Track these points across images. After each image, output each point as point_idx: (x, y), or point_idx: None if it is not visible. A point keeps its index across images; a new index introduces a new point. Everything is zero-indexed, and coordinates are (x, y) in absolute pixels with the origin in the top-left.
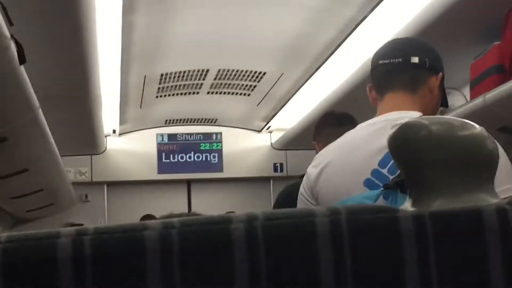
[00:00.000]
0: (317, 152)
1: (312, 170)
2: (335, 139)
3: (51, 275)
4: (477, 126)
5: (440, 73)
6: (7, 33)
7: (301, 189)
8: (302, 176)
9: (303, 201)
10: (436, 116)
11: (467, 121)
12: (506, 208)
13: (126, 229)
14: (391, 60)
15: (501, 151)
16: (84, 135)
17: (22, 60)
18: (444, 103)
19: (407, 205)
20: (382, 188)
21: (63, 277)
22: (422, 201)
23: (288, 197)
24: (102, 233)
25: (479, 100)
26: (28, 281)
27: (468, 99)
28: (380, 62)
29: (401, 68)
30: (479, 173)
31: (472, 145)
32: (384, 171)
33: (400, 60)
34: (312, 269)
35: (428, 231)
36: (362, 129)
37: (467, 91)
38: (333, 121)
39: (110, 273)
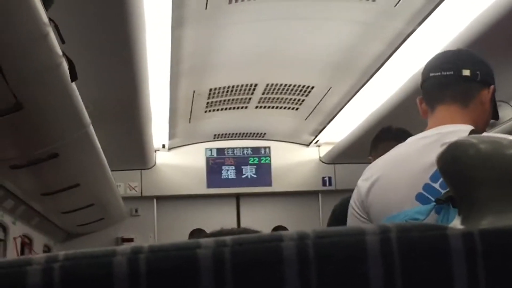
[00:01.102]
0: None
1: (362, 184)
2: None
3: None
4: None
5: (492, 86)
6: (59, 51)
7: (351, 202)
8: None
9: (353, 215)
10: (485, 134)
11: None
12: None
13: (180, 247)
14: (442, 73)
15: None
16: (134, 150)
17: (73, 77)
18: (495, 116)
19: (456, 223)
20: (434, 203)
21: None
22: (471, 219)
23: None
24: (156, 251)
25: None
26: None
27: None
28: (431, 74)
29: (453, 81)
30: None
31: None
32: (436, 185)
33: (452, 72)
34: (362, 287)
35: (478, 249)
36: (413, 142)
37: None
38: (390, 136)
39: None
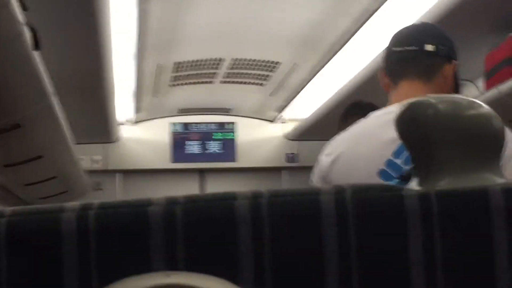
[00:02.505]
0: None
1: (324, 159)
2: None
3: (55, 248)
4: (484, 105)
5: (455, 61)
6: (21, 18)
7: (312, 177)
8: None
9: None
10: (443, 95)
11: (475, 100)
12: None
13: (130, 204)
14: (406, 48)
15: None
16: (98, 123)
17: (37, 47)
18: (457, 92)
19: (413, 184)
20: (396, 180)
21: (67, 251)
22: (428, 180)
23: None
24: (106, 208)
25: (493, 92)
26: (32, 254)
27: (482, 91)
28: (394, 49)
29: (416, 56)
30: (485, 152)
31: (479, 124)
32: (398, 161)
33: (415, 47)
34: (316, 247)
35: (434, 210)
36: (376, 118)
37: (481, 83)
38: (360, 111)
39: (114, 248)
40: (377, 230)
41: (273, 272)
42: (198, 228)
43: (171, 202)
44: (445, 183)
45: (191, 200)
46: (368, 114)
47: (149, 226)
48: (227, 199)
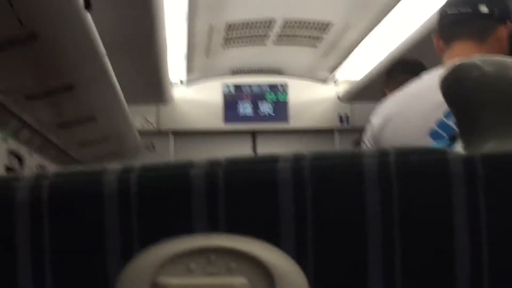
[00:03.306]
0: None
1: (376, 121)
2: None
3: (96, 210)
4: None
5: (509, 23)
6: None
7: (364, 139)
8: None
9: None
10: (490, 57)
11: None
12: None
13: (172, 167)
14: (460, 10)
15: None
16: (151, 85)
17: (87, 5)
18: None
19: (458, 148)
20: (448, 140)
21: (108, 213)
22: (473, 144)
23: None
24: (148, 170)
25: None
26: (74, 215)
27: None
28: (449, 11)
29: (470, 18)
30: None
31: None
32: (450, 122)
33: (469, 9)
34: (358, 210)
35: (479, 174)
36: (428, 79)
37: None
38: (406, 69)
39: (155, 210)
40: (421, 195)
41: (315, 236)
42: (240, 190)
43: (213, 164)
44: (490, 147)
45: (232, 163)
46: (420, 75)
47: (190, 188)
48: (269, 161)
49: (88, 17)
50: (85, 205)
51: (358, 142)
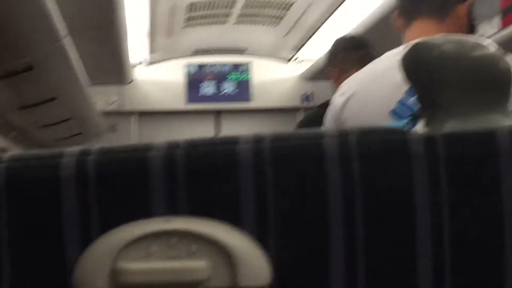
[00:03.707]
0: (332, 79)
1: (338, 99)
2: (351, 63)
3: (54, 194)
4: (491, 46)
5: (468, 0)
6: None
7: (326, 118)
8: (320, 105)
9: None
10: (449, 36)
11: (480, 41)
12: None
13: (130, 149)
14: None
15: None
16: (112, 65)
17: None
18: (471, 31)
19: (419, 127)
20: (409, 118)
21: (66, 196)
22: (434, 123)
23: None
24: (106, 153)
25: (509, 30)
26: (31, 199)
27: (499, 29)
28: None
29: None
30: (492, 93)
31: (485, 65)
32: (411, 101)
33: None
34: (319, 190)
35: (440, 153)
36: (389, 58)
37: (497, 21)
38: (348, 45)
39: (113, 193)
40: (382, 174)
41: (276, 217)
42: (199, 173)
43: (172, 147)
44: (451, 126)
45: (192, 145)
46: (360, 49)
47: (149, 171)
48: (229, 143)
49: None
50: (42, 189)
51: (302, 123)
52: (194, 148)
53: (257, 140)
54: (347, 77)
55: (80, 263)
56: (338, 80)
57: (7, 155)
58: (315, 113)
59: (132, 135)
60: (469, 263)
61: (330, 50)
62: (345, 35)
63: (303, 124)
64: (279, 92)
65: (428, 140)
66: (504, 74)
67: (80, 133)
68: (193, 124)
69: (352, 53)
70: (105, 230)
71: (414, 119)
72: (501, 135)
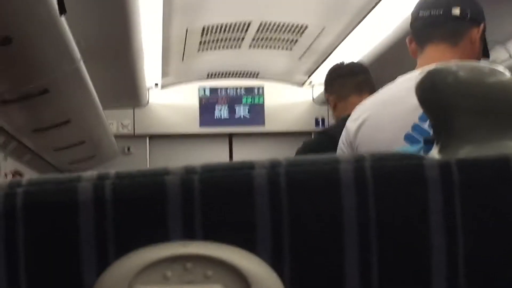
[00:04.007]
0: (331, 106)
1: (351, 124)
2: (348, 90)
3: (72, 219)
4: (506, 73)
5: (482, 25)
6: None
7: (340, 143)
8: (320, 132)
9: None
10: (465, 61)
11: (496, 67)
12: None
13: (148, 173)
14: (432, 12)
15: None
16: (126, 88)
17: (62, 10)
18: (485, 54)
19: (433, 153)
20: (422, 143)
21: (83, 221)
22: (449, 149)
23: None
24: (123, 178)
25: None
26: (49, 224)
27: None
28: (421, 13)
29: (442, 20)
30: (507, 120)
31: (500, 91)
32: (425, 125)
33: (441, 11)
34: (335, 217)
35: (454, 179)
36: (403, 82)
37: (511, 45)
38: (344, 72)
39: (131, 218)
40: (397, 200)
41: (291, 242)
42: (216, 197)
43: (189, 172)
44: (465, 152)
45: (208, 170)
46: (357, 74)
47: (166, 196)
48: (245, 168)
49: (63, 21)
50: (59, 214)
51: (301, 151)
52: (211, 173)
53: (273, 165)
54: (345, 104)
55: (96, 286)
56: (336, 107)
57: (25, 179)
58: (314, 141)
59: (145, 158)
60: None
61: (326, 77)
62: (341, 62)
63: (302, 151)
64: (292, 116)
65: (443, 165)
66: None
67: (94, 156)
68: (207, 147)
69: (348, 79)
70: (122, 255)
71: (428, 143)
72: None
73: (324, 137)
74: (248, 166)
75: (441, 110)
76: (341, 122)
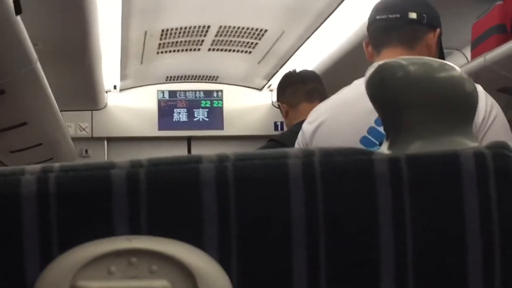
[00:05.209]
0: (282, 114)
1: (307, 127)
2: (299, 97)
3: (14, 212)
4: (456, 68)
5: (438, 29)
6: None
7: (296, 145)
8: (272, 140)
9: None
10: (414, 56)
11: (446, 62)
12: (484, 152)
13: (93, 167)
14: (389, 16)
15: (498, 110)
16: (84, 91)
17: (18, 10)
18: (441, 59)
19: (383, 148)
20: (378, 146)
21: (26, 214)
22: (398, 144)
23: None
24: (68, 171)
25: (479, 60)
26: None
27: (469, 60)
28: (378, 17)
29: (399, 24)
30: (457, 115)
31: (450, 86)
32: (381, 128)
33: (398, 15)
34: (283, 211)
35: (403, 175)
36: (358, 86)
37: (468, 51)
38: (295, 79)
39: (75, 212)
40: (346, 195)
41: (238, 237)
42: (162, 191)
43: (134, 165)
44: (415, 147)
45: (154, 163)
46: (307, 82)
47: (111, 190)
48: (192, 162)
49: (19, 22)
50: (1, 207)
51: None
52: (157, 166)
53: (221, 160)
54: (296, 112)
55: (39, 281)
56: (287, 115)
57: None
58: (265, 148)
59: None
60: (432, 285)
61: (278, 85)
62: (293, 70)
63: None
64: (251, 120)
65: (392, 161)
66: (470, 96)
67: (52, 159)
68: (165, 150)
69: (299, 87)
70: (66, 250)
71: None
72: (465, 157)
73: (275, 145)
74: (195, 160)
75: (390, 105)
76: (292, 129)
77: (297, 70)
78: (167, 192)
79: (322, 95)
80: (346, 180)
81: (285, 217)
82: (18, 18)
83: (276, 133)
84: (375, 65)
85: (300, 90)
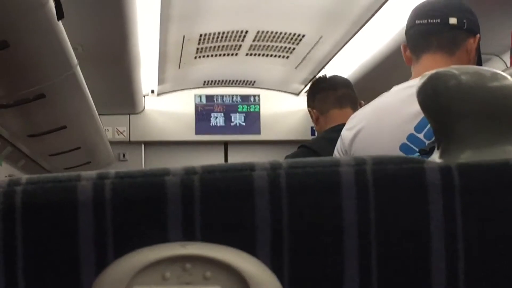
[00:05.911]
0: (313, 120)
1: (346, 133)
2: (330, 104)
3: (70, 217)
4: (509, 77)
5: (478, 35)
6: None
7: (335, 152)
8: (302, 146)
9: None
10: (466, 66)
11: (498, 71)
12: None
13: (148, 174)
14: (429, 21)
15: None
16: (122, 95)
17: (60, 15)
18: (479, 65)
19: (434, 157)
20: (417, 153)
21: (82, 221)
22: (450, 153)
23: None
24: (123, 177)
25: None
26: (48, 223)
27: (508, 65)
28: (417, 22)
29: (439, 29)
30: (509, 125)
31: (502, 96)
32: (420, 136)
33: (438, 20)
34: (335, 219)
35: (455, 183)
36: (398, 92)
37: (507, 57)
38: (325, 85)
39: (130, 218)
40: (398, 203)
41: (291, 244)
42: (216, 198)
43: (189, 172)
44: (466, 156)
45: (208, 170)
46: (336, 88)
47: (166, 196)
48: (246, 169)
49: (61, 27)
50: (58, 213)
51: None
52: (211, 173)
53: (274, 167)
54: (326, 118)
55: (94, 286)
56: (318, 121)
57: (24, 177)
58: (296, 154)
59: (141, 165)
60: None
61: (308, 91)
62: (324, 75)
63: None
64: (288, 125)
65: (444, 169)
66: None
67: (89, 162)
68: (202, 155)
69: (330, 93)
70: (121, 255)
71: (424, 154)
72: None
73: (305, 151)
74: (249, 168)
75: (442, 114)
76: (323, 135)
77: (328, 76)
78: (221, 199)
79: (353, 101)
80: (398, 189)
81: (337, 225)
82: (60, 22)
83: (313, 138)
84: (427, 74)
85: (330, 96)
